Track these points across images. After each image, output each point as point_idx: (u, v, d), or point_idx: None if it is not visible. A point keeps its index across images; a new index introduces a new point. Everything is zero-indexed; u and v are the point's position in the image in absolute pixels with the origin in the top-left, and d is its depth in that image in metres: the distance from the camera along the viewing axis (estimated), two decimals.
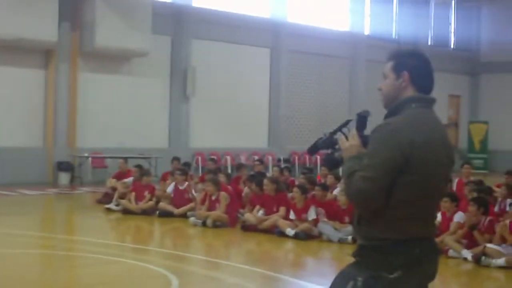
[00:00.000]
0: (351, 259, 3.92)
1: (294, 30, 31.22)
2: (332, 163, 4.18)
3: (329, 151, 4.16)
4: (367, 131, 3.98)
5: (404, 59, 3.99)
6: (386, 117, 3.92)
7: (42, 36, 23.62)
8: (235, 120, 29.62)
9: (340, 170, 4.04)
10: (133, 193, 15.46)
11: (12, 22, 22.66)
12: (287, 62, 31.30)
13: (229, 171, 23.71)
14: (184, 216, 14.14)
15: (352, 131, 3.97)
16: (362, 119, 4.00)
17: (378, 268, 3.78)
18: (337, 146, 4.07)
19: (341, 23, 33.40)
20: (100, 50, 25.17)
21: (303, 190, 12.51)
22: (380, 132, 3.77)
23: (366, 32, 34.05)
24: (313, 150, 4.25)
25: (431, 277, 3.95)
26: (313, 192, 13.16)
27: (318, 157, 25.86)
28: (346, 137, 3.95)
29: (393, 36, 34.97)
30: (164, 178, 16.76)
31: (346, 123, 4.12)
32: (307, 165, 27.44)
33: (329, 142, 4.16)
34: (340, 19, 33.36)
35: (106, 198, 16.62)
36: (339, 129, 4.11)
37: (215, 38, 29.11)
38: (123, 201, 15.39)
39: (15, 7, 22.77)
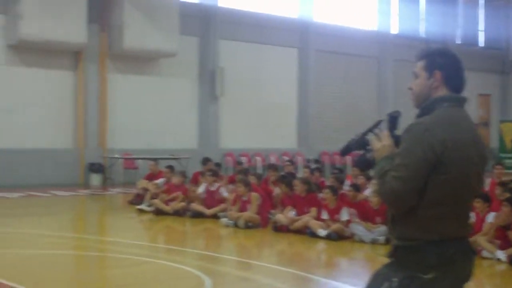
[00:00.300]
0: (384, 260, 3.92)
1: (322, 30, 31.19)
2: (364, 164, 4.18)
3: (361, 152, 4.16)
4: (398, 131, 3.98)
5: (435, 58, 3.97)
6: (418, 116, 3.91)
7: (71, 38, 23.83)
8: (264, 120, 29.65)
9: (372, 170, 4.04)
10: (165, 194, 15.60)
11: (42, 25, 22.90)
12: (314, 62, 31.28)
13: (260, 171, 23.71)
14: (215, 216, 14.22)
15: (384, 131, 3.98)
16: (393, 119, 4.01)
17: (412, 269, 3.78)
18: (369, 147, 4.07)
19: (368, 23, 33.31)
20: (129, 51, 25.35)
21: (334, 190, 12.50)
22: (412, 132, 3.76)
23: (394, 31, 33.92)
24: (345, 151, 4.25)
25: (466, 278, 3.92)
26: (342, 192, 13.20)
27: (348, 157, 25.79)
28: (378, 138, 3.95)
29: (421, 35, 34.78)
30: (194, 178, 16.85)
31: (377, 124, 4.12)
32: (337, 165, 27.37)
33: (361, 143, 4.16)
34: (368, 18, 33.26)
35: (138, 199, 16.75)
36: (371, 129, 4.10)
37: (243, 39, 29.17)
38: (155, 202, 15.50)
39: (45, 10, 22.99)
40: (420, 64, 3.99)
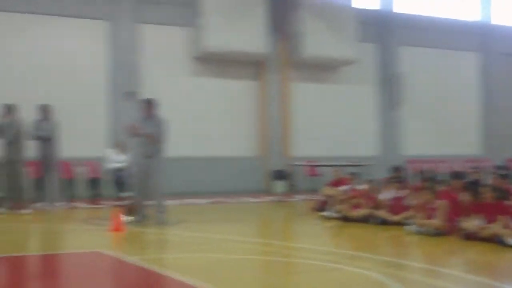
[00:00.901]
0: None
1: (505, 32, 30.23)
2: None
3: None
4: None
5: None
6: None
7: (252, 49, 24.48)
8: (447, 126, 29.12)
9: None
10: (350, 201, 15.64)
11: (224, 36, 23.71)
12: (498, 65, 30.35)
13: (445, 178, 23.26)
14: (401, 224, 14.09)
15: None
16: None
17: None
18: None
19: None
20: (309, 60, 25.69)
21: None
22: None
23: None
24: None
25: None
26: None
27: None
28: None
29: None
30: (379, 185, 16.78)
31: None
32: None
33: None
34: None
35: (322, 205, 16.88)
36: None
37: (422, 44, 28.84)
38: (340, 208, 15.57)
39: (227, 22, 23.78)
40: None
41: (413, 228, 13.36)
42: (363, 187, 15.97)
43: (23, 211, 17.15)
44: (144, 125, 14.69)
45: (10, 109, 17.80)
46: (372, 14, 27.96)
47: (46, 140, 18.53)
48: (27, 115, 18.24)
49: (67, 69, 23.54)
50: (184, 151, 23.89)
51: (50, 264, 10.41)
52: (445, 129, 29.32)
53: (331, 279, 9.00)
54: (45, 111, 18.78)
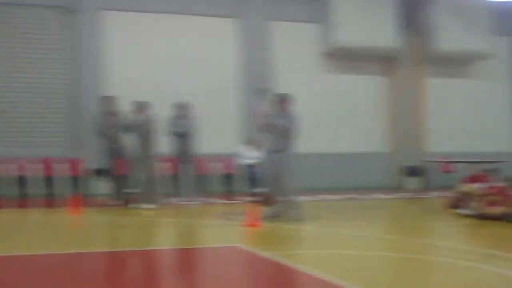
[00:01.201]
0: None
1: None
2: None
3: None
4: None
5: None
6: None
7: (383, 44, 24.39)
8: None
9: None
10: (486, 198, 15.32)
11: (355, 32, 23.73)
12: None
13: None
14: None
15: None
16: None
17: None
18: None
19: None
20: (443, 54, 25.30)
21: None
22: None
23: None
24: None
25: None
26: None
27: None
28: None
29: None
30: None
31: None
32: None
33: None
34: None
35: (456, 202, 16.61)
36: None
37: None
38: (475, 206, 15.28)
39: (357, 18, 23.77)
40: None
41: None
42: (500, 184, 15.61)
43: (158, 206, 17.60)
44: (277, 119, 14.84)
45: (141, 106, 18.23)
46: (506, 6, 27.23)
47: (182, 137, 19.05)
48: (162, 112, 18.73)
49: (199, 67, 24.07)
50: (314, 147, 23.99)
51: (190, 258, 10.73)
52: None
53: (469, 279, 8.88)
54: (182, 108, 19.31)
